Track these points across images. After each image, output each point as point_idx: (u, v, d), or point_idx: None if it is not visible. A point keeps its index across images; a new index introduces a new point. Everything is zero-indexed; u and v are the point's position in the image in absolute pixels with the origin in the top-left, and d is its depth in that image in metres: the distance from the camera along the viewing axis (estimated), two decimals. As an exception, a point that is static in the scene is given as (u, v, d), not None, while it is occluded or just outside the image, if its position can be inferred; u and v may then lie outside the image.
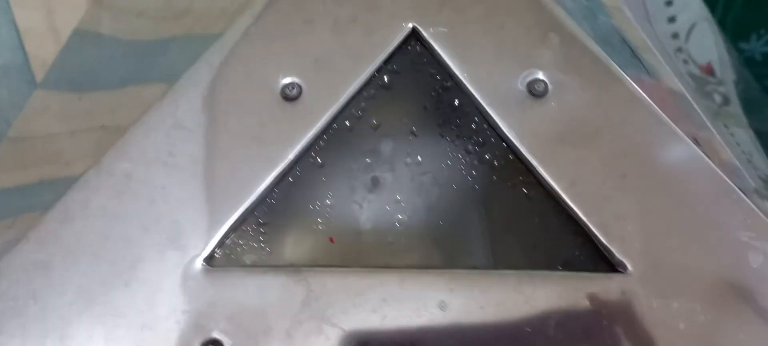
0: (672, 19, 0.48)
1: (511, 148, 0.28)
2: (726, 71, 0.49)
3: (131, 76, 0.35)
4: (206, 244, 0.27)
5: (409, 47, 0.29)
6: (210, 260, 0.27)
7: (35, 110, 0.40)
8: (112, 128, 0.31)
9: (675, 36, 0.48)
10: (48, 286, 0.26)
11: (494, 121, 0.28)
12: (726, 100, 0.46)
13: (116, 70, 0.37)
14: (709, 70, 0.48)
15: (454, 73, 0.28)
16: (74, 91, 0.38)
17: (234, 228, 0.27)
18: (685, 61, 0.47)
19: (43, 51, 0.83)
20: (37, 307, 0.26)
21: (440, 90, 0.29)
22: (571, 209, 0.27)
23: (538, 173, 0.28)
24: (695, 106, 0.33)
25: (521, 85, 0.28)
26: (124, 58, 0.37)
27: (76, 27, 0.45)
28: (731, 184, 0.27)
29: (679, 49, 0.47)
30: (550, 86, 0.28)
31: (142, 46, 0.36)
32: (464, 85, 0.28)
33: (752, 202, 0.27)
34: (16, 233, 0.27)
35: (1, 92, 0.87)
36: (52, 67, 0.44)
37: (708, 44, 0.49)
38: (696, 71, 0.47)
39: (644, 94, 0.28)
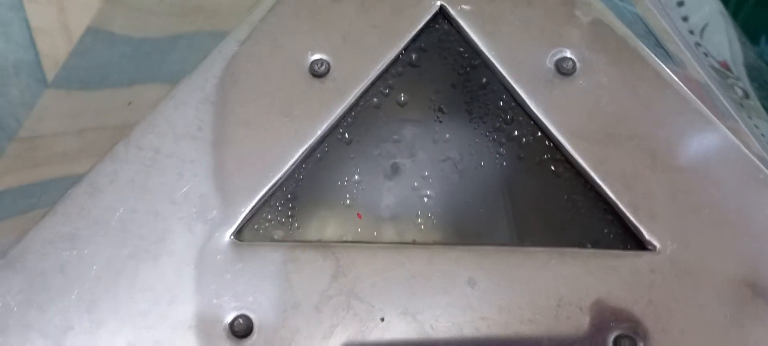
0: (685, 19, 0.48)
1: (540, 126, 0.28)
2: (740, 68, 0.49)
3: (140, 75, 0.35)
4: (235, 218, 0.27)
5: (436, 25, 0.29)
6: (238, 234, 0.27)
7: (46, 109, 0.40)
8: (120, 127, 0.31)
9: (691, 32, 0.48)
10: (76, 259, 0.26)
11: (522, 99, 0.28)
12: (746, 94, 0.46)
13: (125, 69, 0.37)
14: (726, 67, 0.48)
15: (482, 51, 0.28)
16: (83, 90, 0.38)
17: (262, 203, 0.27)
18: (706, 54, 0.47)
19: (55, 49, 0.83)
20: (64, 279, 0.26)
21: (468, 68, 0.29)
22: (600, 187, 0.27)
23: (567, 151, 0.27)
24: (721, 96, 0.33)
25: (549, 63, 0.28)
26: (134, 56, 0.37)
27: (88, 25, 0.45)
28: (763, 167, 0.27)
29: (698, 44, 0.47)
30: (578, 64, 0.28)
31: (152, 44, 0.36)
32: (492, 63, 0.28)
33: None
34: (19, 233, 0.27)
35: (12, 90, 0.87)
36: (64, 66, 0.44)
37: (721, 42, 0.49)
38: (716, 65, 0.47)
39: (672, 75, 0.28)
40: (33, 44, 0.83)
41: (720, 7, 0.50)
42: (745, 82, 0.48)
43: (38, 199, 0.31)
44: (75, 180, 0.29)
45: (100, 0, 0.76)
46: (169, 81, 0.32)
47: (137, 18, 0.40)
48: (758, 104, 0.46)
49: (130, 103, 0.30)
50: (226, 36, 0.29)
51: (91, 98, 0.36)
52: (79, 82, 0.40)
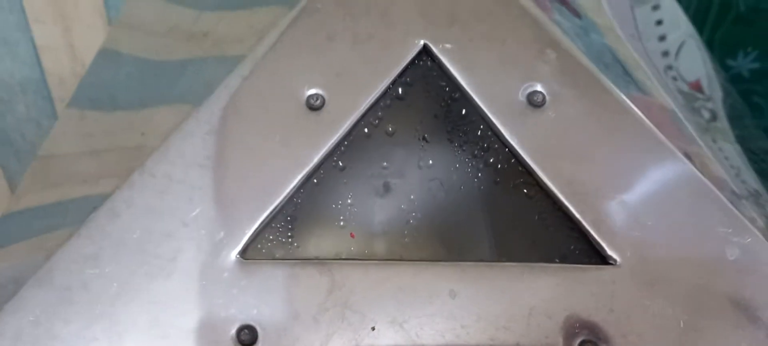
0: (662, 38, 0.50)
1: (513, 153, 0.31)
2: (714, 88, 0.52)
3: (150, 98, 0.37)
4: (240, 239, 0.30)
5: (420, 62, 0.32)
6: (244, 253, 0.30)
7: (63, 129, 0.42)
8: (130, 149, 0.33)
9: (665, 54, 0.50)
10: (98, 276, 0.29)
11: (497, 128, 0.31)
12: (714, 116, 0.49)
13: (136, 91, 0.39)
14: (698, 87, 0.51)
15: (461, 85, 0.31)
16: (96, 110, 0.40)
17: (265, 225, 0.30)
18: (675, 79, 0.50)
19: (60, 67, 0.86)
20: (88, 295, 0.29)
21: (449, 100, 0.32)
22: (567, 208, 0.30)
23: (538, 176, 0.31)
24: (685, 122, 0.36)
25: (522, 96, 0.31)
26: (145, 78, 0.39)
27: (102, 46, 0.47)
28: (710, 185, 0.30)
29: (669, 67, 0.50)
30: (547, 97, 0.31)
31: (161, 68, 0.38)
32: (470, 96, 0.31)
33: (729, 202, 0.31)
34: (45, 253, 0.30)
35: (18, 107, 0.90)
36: (80, 86, 0.46)
37: (696, 62, 0.52)
38: (685, 88, 0.50)
39: (631, 104, 0.31)
40: (39, 63, 0.85)
41: (692, 31, 0.53)
42: (716, 104, 0.51)
43: (54, 220, 0.33)
44: (89, 200, 0.32)
45: (103, 21, 0.78)
46: (178, 104, 0.34)
47: (148, 41, 0.43)
48: (726, 125, 0.49)
49: (143, 134, 0.33)
50: (232, 69, 0.32)
51: (102, 119, 0.39)
52: (91, 102, 0.42)
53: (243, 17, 0.36)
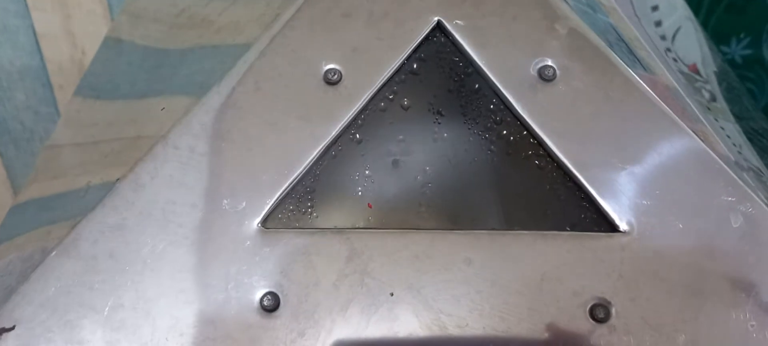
0: (658, 23, 0.51)
1: (525, 126, 0.32)
2: (709, 71, 0.53)
3: (151, 87, 0.37)
4: (262, 209, 0.31)
5: (434, 38, 0.33)
6: (265, 222, 0.31)
7: (67, 119, 0.42)
8: (132, 139, 0.34)
9: (662, 38, 0.51)
10: (123, 245, 0.30)
11: (509, 102, 0.32)
12: (713, 97, 0.50)
13: (137, 80, 0.39)
14: (695, 70, 0.52)
15: (474, 61, 0.32)
16: (99, 100, 0.40)
17: (285, 195, 0.31)
18: (675, 60, 0.51)
19: (60, 55, 0.86)
20: (114, 264, 0.30)
21: (462, 76, 0.33)
22: (578, 178, 0.31)
23: (549, 147, 0.32)
24: (688, 100, 0.37)
25: (533, 71, 0.32)
26: (147, 67, 0.40)
27: (106, 35, 0.48)
28: (714, 156, 0.31)
29: (668, 50, 0.51)
30: (558, 72, 0.32)
31: (164, 55, 0.39)
32: (483, 71, 0.32)
33: (733, 172, 0.32)
34: (55, 243, 0.31)
35: (18, 95, 0.90)
36: (85, 75, 0.46)
37: (692, 46, 0.53)
38: (684, 69, 0.51)
39: (637, 78, 0.32)
40: (39, 50, 0.86)
41: (689, 13, 0.54)
42: (714, 86, 0.52)
43: (56, 212, 0.34)
44: (92, 190, 0.32)
45: (105, 7, 0.78)
46: (181, 93, 0.35)
47: (152, 29, 0.43)
48: (725, 106, 0.50)
49: (163, 109, 0.34)
50: (245, 52, 0.32)
51: (105, 109, 0.39)
52: (94, 90, 0.42)
53: (247, 5, 0.36)
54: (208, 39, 0.37)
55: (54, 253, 0.30)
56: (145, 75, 0.39)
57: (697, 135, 0.32)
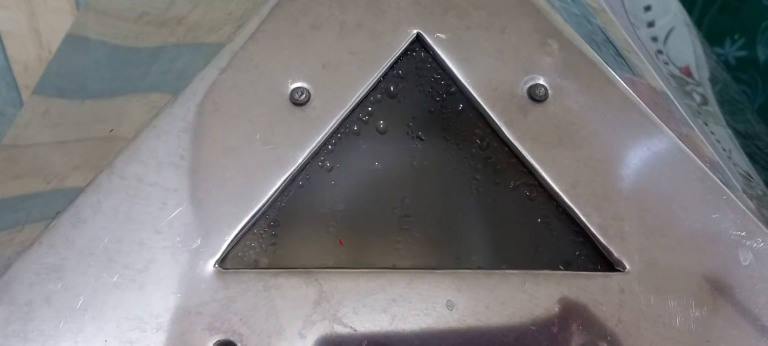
0: (651, 24, 0.49)
1: (513, 152, 0.29)
2: (703, 74, 0.50)
3: (121, 86, 0.35)
4: (219, 247, 0.27)
5: (413, 53, 0.30)
6: (223, 262, 0.28)
7: (28, 118, 0.39)
8: (102, 139, 0.31)
9: (654, 39, 0.49)
10: (62, 289, 0.27)
11: (496, 125, 0.29)
12: (705, 100, 0.48)
13: (106, 79, 0.37)
14: (688, 73, 0.49)
15: (457, 79, 0.29)
16: (64, 98, 0.38)
17: (246, 230, 0.28)
18: (666, 63, 0.48)
19: (25, 54, 0.83)
20: (51, 310, 0.27)
21: (444, 95, 0.30)
22: (572, 210, 0.28)
23: (540, 175, 0.29)
24: (677, 104, 0.34)
25: (522, 91, 0.29)
26: (115, 66, 0.37)
27: (69, 31, 0.45)
28: (721, 185, 0.29)
29: (659, 52, 0.49)
30: (550, 91, 0.29)
31: (131, 54, 0.36)
32: (467, 90, 0.29)
33: (740, 202, 0.29)
34: (12, 248, 0.28)
35: (-19, 94, 0.86)
36: (46, 73, 0.43)
37: (685, 48, 0.51)
38: (675, 72, 0.49)
39: (637, 97, 0.29)
40: (3, 49, 0.82)
41: (684, 16, 0.52)
42: (706, 88, 0.50)
43: (18, 214, 0.31)
44: (59, 193, 0.29)
45: (71, 6, 0.75)
46: (151, 92, 0.32)
47: (118, 27, 0.40)
48: (716, 110, 0.48)
49: (111, 130, 0.31)
50: (208, 59, 0.29)
51: (71, 108, 0.36)
52: (58, 90, 0.40)
53: (219, 3, 0.33)
54: (179, 37, 0.33)
55: (-17, 297, 0.27)
56: (114, 74, 0.37)
57: (683, 141, 0.29)
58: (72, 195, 0.28)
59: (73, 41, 0.43)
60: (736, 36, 0.73)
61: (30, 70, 0.81)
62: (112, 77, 0.36)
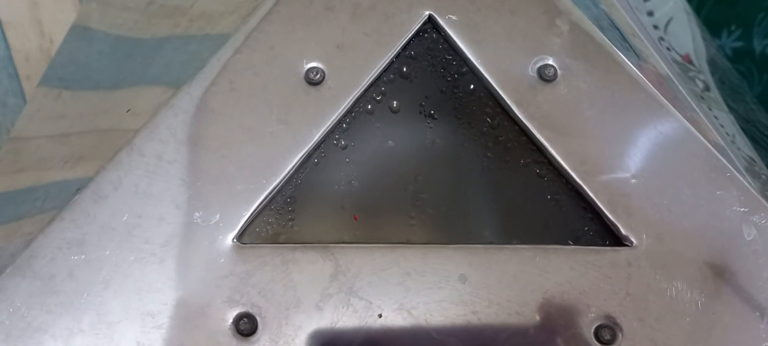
0: (650, 13, 0.50)
1: (524, 131, 0.30)
2: (702, 62, 0.51)
3: (125, 77, 0.35)
4: (237, 222, 0.28)
5: (425, 34, 0.30)
6: (241, 237, 0.28)
7: (33, 110, 0.40)
8: (106, 131, 0.32)
9: (656, 27, 0.50)
10: (84, 263, 0.27)
11: (507, 104, 0.30)
12: (707, 87, 0.48)
13: (110, 71, 0.37)
14: (688, 61, 0.50)
15: (469, 59, 0.30)
16: (69, 90, 0.38)
17: (263, 206, 0.28)
18: (668, 49, 0.49)
19: (27, 44, 0.82)
20: (74, 283, 0.27)
21: (456, 75, 0.30)
22: (581, 187, 0.29)
23: (550, 154, 0.29)
24: (681, 89, 0.35)
25: (532, 71, 0.30)
26: (119, 57, 0.37)
27: (74, 23, 0.45)
28: (725, 162, 0.29)
29: (661, 39, 0.49)
30: (559, 71, 0.29)
31: (135, 45, 0.36)
32: (478, 71, 0.30)
33: (746, 180, 0.30)
34: (21, 239, 0.28)
35: (-18, 86, 0.86)
36: (51, 65, 0.43)
37: (685, 36, 0.51)
38: (678, 58, 0.49)
39: (644, 78, 0.30)
40: (4, 39, 0.82)
41: (684, 3, 0.53)
42: (707, 76, 0.50)
43: (24, 206, 0.31)
44: (65, 185, 0.30)
45: (73, -4, 0.75)
46: (155, 84, 0.32)
47: (123, 18, 0.41)
48: (718, 96, 0.48)
49: (128, 111, 0.31)
50: (214, 50, 0.30)
51: (74, 100, 0.36)
52: (62, 81, 0.40)
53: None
54: (184, 28, 0.34)
55: (7, 271, 0.27)
56: (118, 65, 0.37)
57: (692, 125, 0.30)
58: (77, 187, 0.28)
59: (77, 32, 0.43)
60: (732, 27, 0.73)
61: (31, 60, 0.80)
62: (115, 69, 0.36)
